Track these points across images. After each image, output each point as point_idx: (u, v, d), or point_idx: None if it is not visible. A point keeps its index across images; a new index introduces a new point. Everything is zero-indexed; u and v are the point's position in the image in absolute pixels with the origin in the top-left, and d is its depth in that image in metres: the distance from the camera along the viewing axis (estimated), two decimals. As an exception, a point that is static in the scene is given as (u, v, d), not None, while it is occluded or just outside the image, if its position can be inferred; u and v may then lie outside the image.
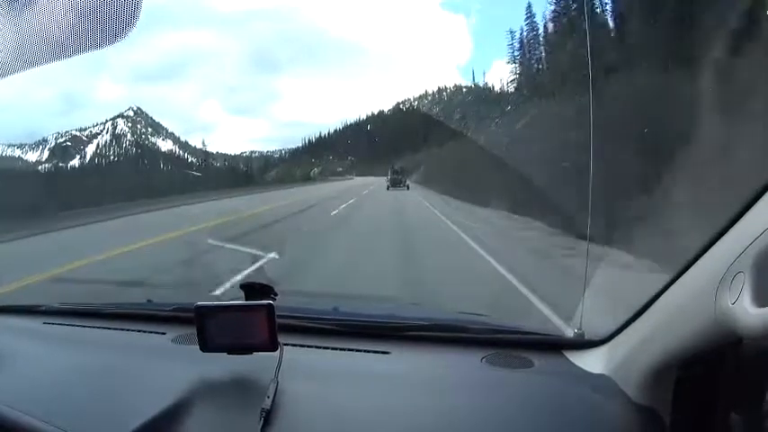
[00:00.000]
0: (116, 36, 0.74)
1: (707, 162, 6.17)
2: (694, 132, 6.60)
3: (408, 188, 27.70)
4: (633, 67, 12.44)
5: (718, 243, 0.81)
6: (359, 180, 40.95)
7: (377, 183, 31.90)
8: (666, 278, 0.95)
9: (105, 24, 0.74)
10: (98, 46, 0.76)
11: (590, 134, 1.90)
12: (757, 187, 0.74)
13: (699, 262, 0.86)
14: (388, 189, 27.28)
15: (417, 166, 34.34)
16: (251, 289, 1.13)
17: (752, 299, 0.67)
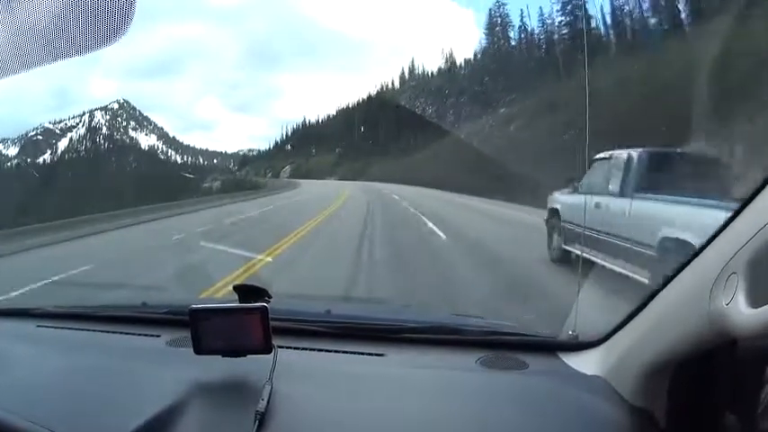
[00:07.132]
0: (111, 37, 0.73)
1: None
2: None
3: None
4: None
5: (712, 244, 0.82)
6: (323, 193, 21.58)
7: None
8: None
9: (100, 25, 0.73)
10: (94, 47, 0.75)
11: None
12: (750, 189, 0.75)
13: (693, 263, 0.87)
14: None
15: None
16: (245, 291, 1.12)
17: (745, 299, 0.68)
